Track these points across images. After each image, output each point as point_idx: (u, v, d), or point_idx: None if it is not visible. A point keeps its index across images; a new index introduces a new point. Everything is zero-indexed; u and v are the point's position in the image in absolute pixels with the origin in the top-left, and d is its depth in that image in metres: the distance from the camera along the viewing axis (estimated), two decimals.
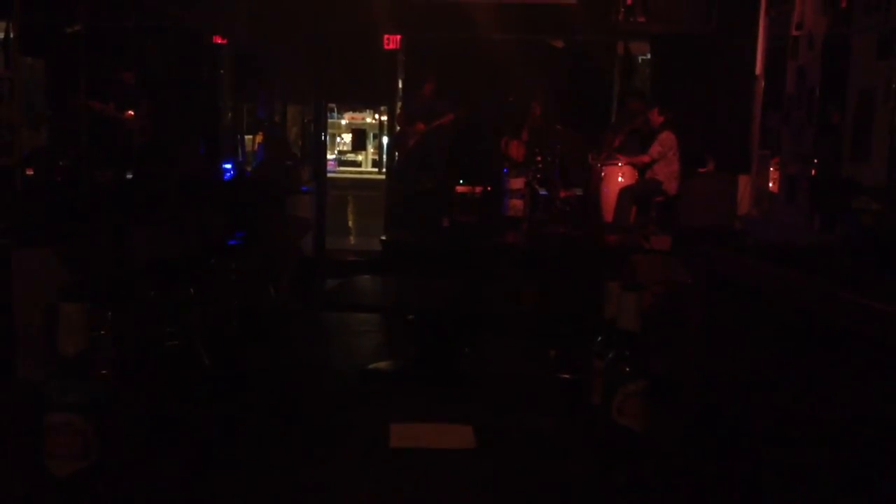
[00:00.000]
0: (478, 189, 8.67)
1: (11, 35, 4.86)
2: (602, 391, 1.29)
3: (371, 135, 19.66)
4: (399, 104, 9.87)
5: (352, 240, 10.16)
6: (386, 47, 9.53)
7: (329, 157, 13.27)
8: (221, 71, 9.30)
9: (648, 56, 9.58)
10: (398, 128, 9.60)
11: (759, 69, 7.79)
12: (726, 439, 1.67)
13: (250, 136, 10.17)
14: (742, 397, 1.95)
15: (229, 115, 9.61)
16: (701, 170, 7.99)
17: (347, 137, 20.09)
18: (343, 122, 19.67)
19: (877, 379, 1.54)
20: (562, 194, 8.31)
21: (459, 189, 8.86)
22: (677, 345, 2.38)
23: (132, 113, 6.63)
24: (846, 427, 1.56)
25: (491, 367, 3.06)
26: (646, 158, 7.67)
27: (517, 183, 8.32)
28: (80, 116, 6.02)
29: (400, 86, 9.92)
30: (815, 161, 6.26)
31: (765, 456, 1.60)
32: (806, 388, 1.75)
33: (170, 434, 1.58)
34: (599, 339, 1.33)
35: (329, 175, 10.65)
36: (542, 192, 8.22)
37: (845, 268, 1.72)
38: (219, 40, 9.18)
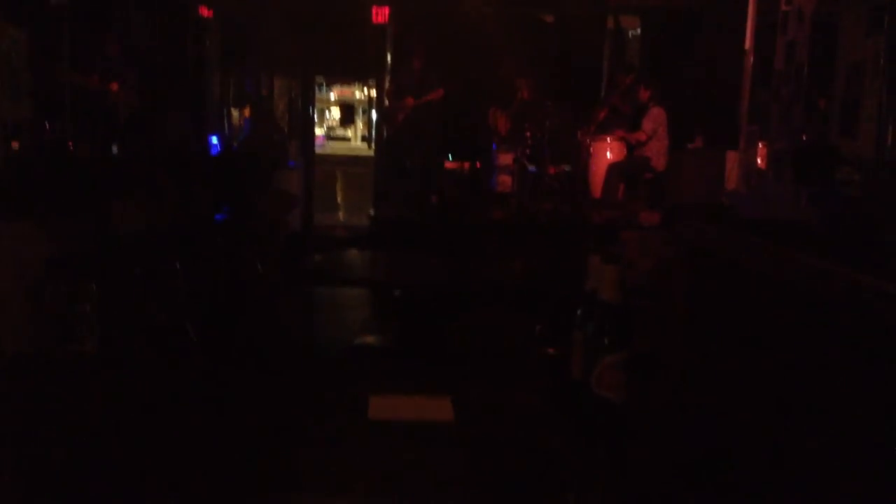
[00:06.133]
0: (466, 165, 8.66)
1: None
2: (582, 363, 1.29)
3: (360, 109, 19.53)
4: (388, 78, 9.79)
5: (340, 215, 10.14)
6: (374, 20, 9.44)
7: (318, 132, 13.19)
8: (208, 43, 9.19)
9: (639, 31, 9.54)
10: (387, 102, 9.53)
11: (748, 44, 7.76)
12: (710, 416, 1.68)
13: (237, 110, 10.09)
14: (728, 374, 1.96)
15: (216, 88, 9.52)
16: (690, 145, 7.99)
17: (336, 112, 19.95)
18: (331, 96, 19.53)
19: (865, 354, 1.54)
20: (550, 170, 8.29)
21: (448, 165, 8.84)
22: (664, 321, 2.38)
23: (116, 85, 6.55)
24: (834, 404, 1.56)
25: (476, 341, 3.05)
26: (642, 136, 7.64)
27: (506, 159, 8.31)
28: (63, 89, 5.95)
29: (389, 59, 9.84)
30: (804, 137, 6.26)
31: (749, 432, 1.61)
32: (793, 363, 1.75)
33: (154, 405, 1.58)
34: (580, 311, 1.32)
35: (318, 151, 10.59)
36: (531, 167, 8.20)
37: (828, 241, 1.73)
38: (205, 12, 9.07)
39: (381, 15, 9.46)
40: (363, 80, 16.44)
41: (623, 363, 1.17)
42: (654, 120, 7.60)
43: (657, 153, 7.63)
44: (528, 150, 8.20)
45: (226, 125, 9.70)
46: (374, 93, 13.25)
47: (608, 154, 7.86)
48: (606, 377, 1.16)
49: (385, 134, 9.66)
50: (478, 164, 8.73)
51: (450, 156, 8.91)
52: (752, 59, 7.76)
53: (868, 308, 1.33)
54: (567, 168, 8.44)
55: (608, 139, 7.91)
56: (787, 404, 1.64)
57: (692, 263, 2.17)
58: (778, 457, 1.41)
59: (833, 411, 1.60)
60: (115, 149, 6.35)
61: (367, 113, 18.11)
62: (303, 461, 1.24)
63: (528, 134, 8.22)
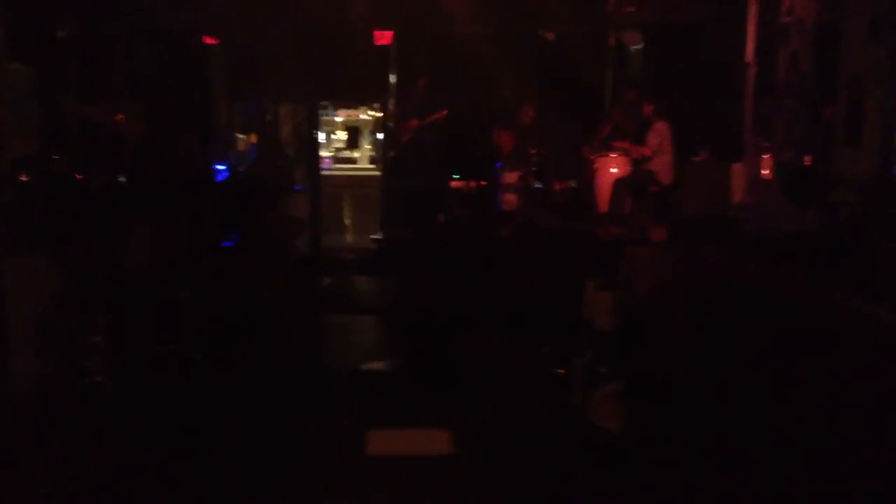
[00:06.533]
0: (472, 184, 8.68)
1: None
2: (582, 389, 1.29)
3: (367, 131, 19.58)
4: (392, 100, 9.83)
5: (348, 237, 10.15)
6: (377, 43, 9.50)
7: (324, 154, 13.23)
8: (212, 71, 9.26)
9: (640, 46, 9.55)
10: (391, 124, 9.57)
11: (750, 56, 7.77)
12: (712, 433, 1.68)
13: (243, 136, 10.15)
14: (728, 389, 1.96)
15: (221, 115, 9.57)
16: (695, 159, 7.98)
17: (342, 134, 20.01)
18: (337, 119, 19.61)
19: (862, 374, 1.54)
20: (556, 186, 8.31)
21: (454, 184, 8.86)
22: (667, 338, 2.38)
23: (123, 116, 6.60)
24: (832, 422, 1.56)
25: (484, 363, 3.06)
26: (646, 151, 7.65)
27: (511, 177, 8.32)
28: (71, 121, 6.00)
29: (392, 81, 9.88)
30: (801, 156, 6.26)
31: (751, 450, 1.61)
32: (791, 382, 1.75)
33: (156, 432, 1.59)
34: (578, 338, 1.33)
35: (325, 173, 10.61)
36: (537, 184, 8.21)
37: (826, 260, 1.73)
38: (209, 41, 9.15)
39: (383, 38, 9.53)
40: (368, 103, 16.51)
41: (619, 393, 1.17)
42: (659, 134, 7.61)
43: (663, 167, 7.63)
44: (533, 168, 8.21)
45: (232, 152, 9.75)
46: (380, 115, 13.29)
47: (613, 169, 7.88)
48: (603, 408, 1.16)
49: (391, 155, 9.69)
50: (483, 183, 8.75)
51: (455, 175, 8.93)
52: (754, 70, 7.76)
53: (865, 329, 1.33)
54: (573, 184, 8.45)
55: (612, 154, 7.93)
56: (790, 422, 1.63)
57: (695, 282, 2.17)
58: (779, 470, 1.41)
59: (836, 425, 1.60)
60: (123, 179, 6.39)
61: (373, 134, 18.16)
62: (304, 490, 1.25)
63: (533, 151, 8.23)
